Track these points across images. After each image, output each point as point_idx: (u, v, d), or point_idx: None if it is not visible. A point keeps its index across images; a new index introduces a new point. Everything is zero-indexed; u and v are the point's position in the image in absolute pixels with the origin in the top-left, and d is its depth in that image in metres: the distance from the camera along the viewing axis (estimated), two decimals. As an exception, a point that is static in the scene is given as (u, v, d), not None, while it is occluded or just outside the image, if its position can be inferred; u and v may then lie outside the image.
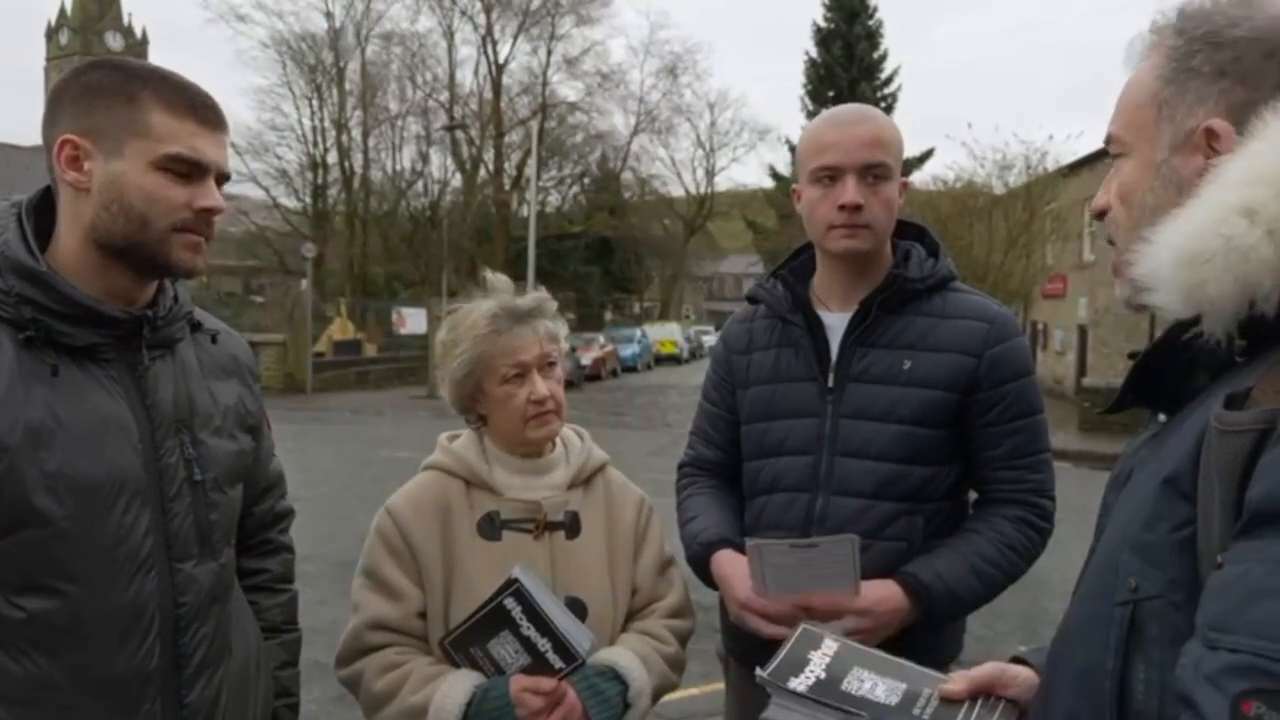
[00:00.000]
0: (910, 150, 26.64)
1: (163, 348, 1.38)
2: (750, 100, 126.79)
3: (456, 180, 36.57)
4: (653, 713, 1.66)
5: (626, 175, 43.54)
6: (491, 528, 1.67)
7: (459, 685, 1.53)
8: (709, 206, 49.02)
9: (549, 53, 38.15)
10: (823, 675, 1.06)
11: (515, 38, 37.82)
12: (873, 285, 1.76)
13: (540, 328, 1.70)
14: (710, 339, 51.05)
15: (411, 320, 26.94)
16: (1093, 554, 0.97)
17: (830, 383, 1.76)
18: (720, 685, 4.64)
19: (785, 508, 1.78)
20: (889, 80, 26.15)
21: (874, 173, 1.69)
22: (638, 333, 33.17)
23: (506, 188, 38.34)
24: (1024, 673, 1.08)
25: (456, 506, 1.68)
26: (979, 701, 1.06)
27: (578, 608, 1.64)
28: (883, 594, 1.62)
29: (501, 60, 36.74)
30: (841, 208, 1.68)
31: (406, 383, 23.15)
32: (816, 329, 1.79)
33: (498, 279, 1.74)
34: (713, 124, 48.75)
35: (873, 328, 1.74)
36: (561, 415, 1.72)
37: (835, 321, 1.78)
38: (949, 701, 1.05)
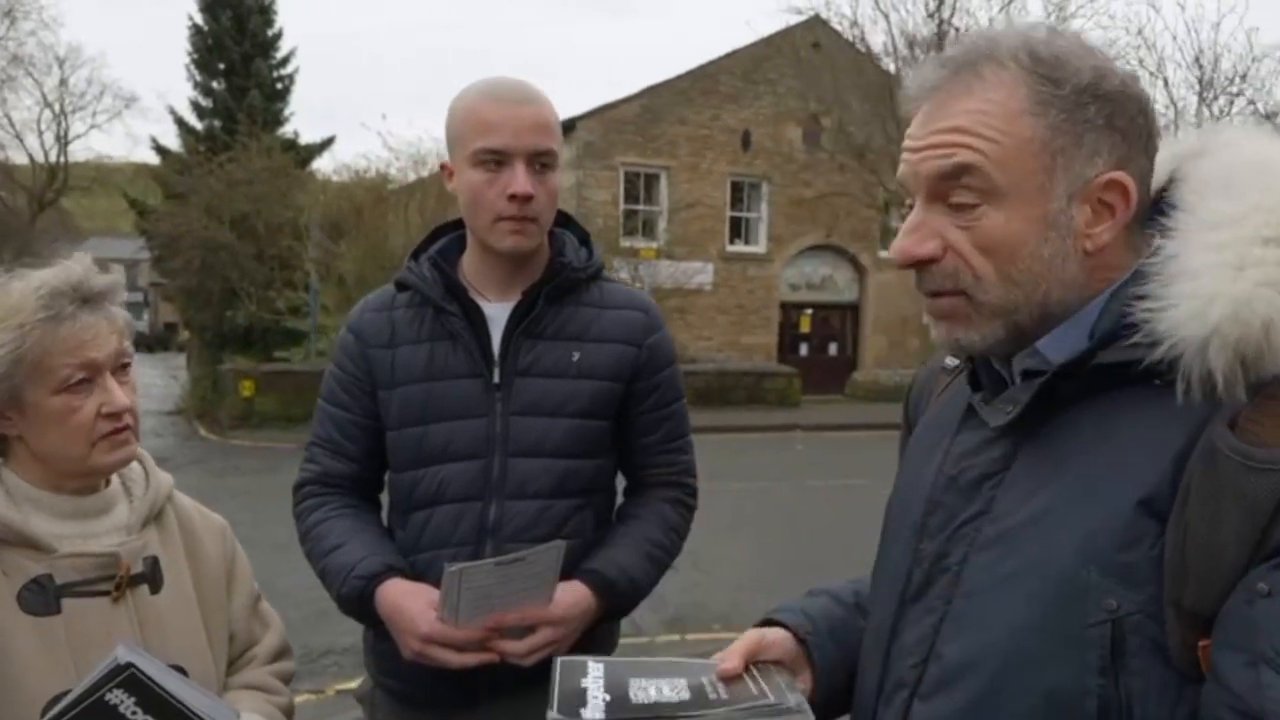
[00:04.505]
0: (310, 136, 25.81)
1: None
2: (112, 61, 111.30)
3: None
4: None
5: (-56, 132, 34.81)
6: (42, 598, 1.27)
7: None
8: (63, 179, 41.59)
9: None
10: (608, 697, 1.01)
11: None
12: (533, 274, 1.65)
13: (116, 316, 1.33)
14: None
15: None
16: (937, 559, 0.94)
17: (497, 378, 1.62)
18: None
19: (454, 520, 1.59)
20: (286, 60, 24.95)
21: (542, 160, 1.58)
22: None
23: None
24: (780, 634, 1.11)
25: None
26: (754, 672, 1.08)
27: None
28: (573, 598, 1.54)
29: None
30: (512, 197, 1.54)
31: None
32: (476, 320, 1.62)
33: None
34: (63, 82, 41.37)
35: (538, 319, 1.63)
36: (138, 435, 1.36)
37: (496, 312, 1.64)
38: (730, 680, 1.05)
